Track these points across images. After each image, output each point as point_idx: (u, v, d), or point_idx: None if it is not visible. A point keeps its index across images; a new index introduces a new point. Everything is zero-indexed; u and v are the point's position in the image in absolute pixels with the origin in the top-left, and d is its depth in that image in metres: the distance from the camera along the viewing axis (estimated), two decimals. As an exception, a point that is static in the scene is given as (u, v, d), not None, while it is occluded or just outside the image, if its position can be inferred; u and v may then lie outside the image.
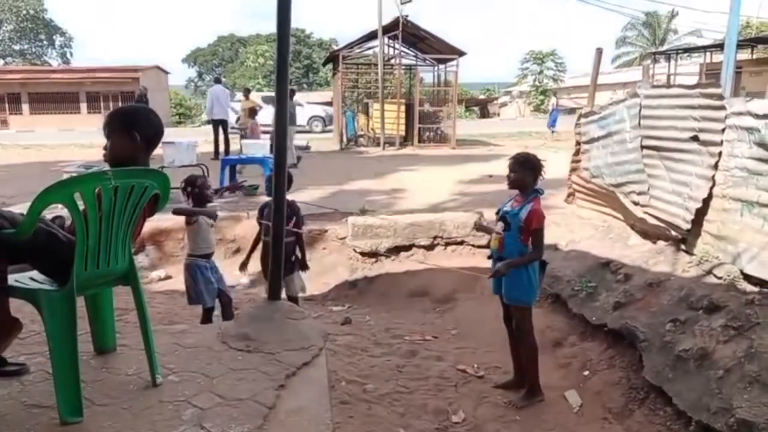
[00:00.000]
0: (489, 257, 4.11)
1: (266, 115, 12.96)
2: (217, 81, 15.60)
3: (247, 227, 7.44)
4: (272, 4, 3.18)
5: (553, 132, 21.67)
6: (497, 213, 4.05)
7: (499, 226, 3.93)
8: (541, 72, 40.73)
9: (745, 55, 21.30)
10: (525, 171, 3.86)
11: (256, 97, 18.08)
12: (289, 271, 4.83)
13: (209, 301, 4.61)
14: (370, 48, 20.31)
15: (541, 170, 3.89)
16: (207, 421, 2.27)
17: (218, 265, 4.84)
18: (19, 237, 2.13)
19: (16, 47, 56.55)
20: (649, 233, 5.63)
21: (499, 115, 42.41)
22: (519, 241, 3.80)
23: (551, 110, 26.72)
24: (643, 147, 5.57)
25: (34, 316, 2.66)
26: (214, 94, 14.49)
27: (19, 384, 2.52)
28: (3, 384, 2.49)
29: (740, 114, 4.34)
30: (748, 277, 4.21)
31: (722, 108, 4.52)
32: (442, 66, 20.64)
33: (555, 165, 5.53)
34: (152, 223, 6.34)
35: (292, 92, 15.03)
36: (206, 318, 4.68)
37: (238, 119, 15.21)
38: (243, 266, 5.14)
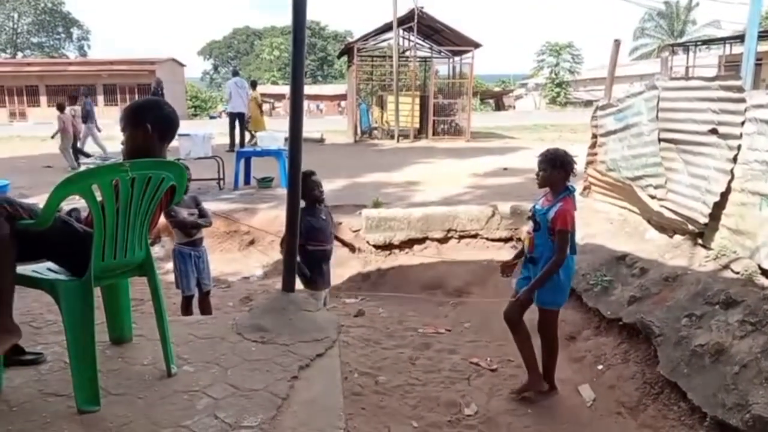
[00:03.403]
0: (519, 257, 4.08)
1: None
2: (235, 74, 15.62)
3: (262, 219, 7.49)
4: (287, -3, 3.19)
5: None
6: (531, 210, 3.94)
7: (529, 225, 3.87)
8: (557, 64, 40.21)
9: (765, 46, 20.85)
10: (554, 169, 3.69)
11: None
12: None
13: (187, 289, 4.64)
14: (385, 40, 20.25)
15: (572, 167, 3.72)
16: (221, 411, 2.29)
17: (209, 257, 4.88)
18: (37, 228, 2.15)
19: (34, 40, 57.14)
20: (665, 227, 5.58)
21: (514, 107, 42.10)
22: (549, 240, 3.69)
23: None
24: (660, 140, 5.50)
25: (51, 306, 2.70)
26: (231, 86, 14.54)
27: (37, 373, 2.55)
28: (20, 373, 2.53)
29: (760, 107, 4.28)
30: (766, 272, 4.15)
31: (742, 100, 4.45)
32: (457, 58, 20.50)
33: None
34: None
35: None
36: (186, 306, 4.70)
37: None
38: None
